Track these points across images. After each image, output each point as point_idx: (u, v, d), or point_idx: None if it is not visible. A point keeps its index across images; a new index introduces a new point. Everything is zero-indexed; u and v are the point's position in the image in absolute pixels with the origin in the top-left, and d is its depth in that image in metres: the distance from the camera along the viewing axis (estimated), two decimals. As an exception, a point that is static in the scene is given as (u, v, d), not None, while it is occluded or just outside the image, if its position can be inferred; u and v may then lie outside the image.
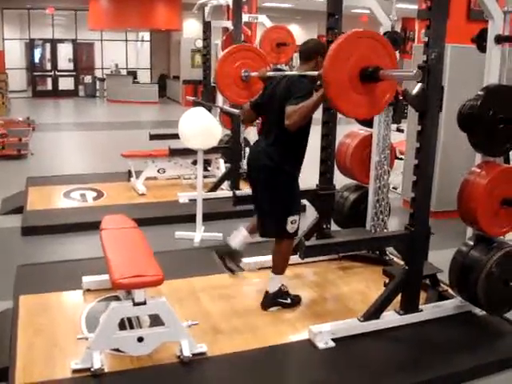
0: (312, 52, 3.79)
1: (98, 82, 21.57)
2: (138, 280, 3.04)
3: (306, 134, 3.69)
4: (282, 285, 3.92)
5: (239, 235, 4.31)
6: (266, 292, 3.89)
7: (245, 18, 7.04)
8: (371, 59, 3.08)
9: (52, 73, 20.91)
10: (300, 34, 21.11)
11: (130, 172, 7.21)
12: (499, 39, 3.69)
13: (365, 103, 3.15)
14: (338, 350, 3.42)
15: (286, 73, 3.81)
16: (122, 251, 3.50)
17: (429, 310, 3.79)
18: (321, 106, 3.62)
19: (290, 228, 3.75)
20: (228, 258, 4.47)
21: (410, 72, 3.00)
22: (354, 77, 3.05)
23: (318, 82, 3.39)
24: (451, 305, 3.88)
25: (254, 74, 4.45)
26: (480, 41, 3.89)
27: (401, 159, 7.06)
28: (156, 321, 3.26)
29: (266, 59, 4.90)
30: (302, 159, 3.81)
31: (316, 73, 3.52)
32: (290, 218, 3.73)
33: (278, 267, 3.87)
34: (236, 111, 4.83)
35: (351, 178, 5.08)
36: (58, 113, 18.05)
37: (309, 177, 4.58)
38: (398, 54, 4.69)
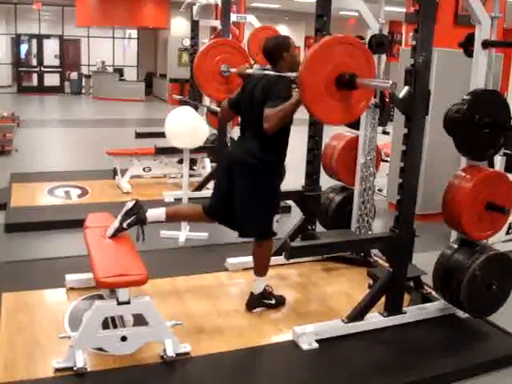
0: (275, 52, 3.65)
1: (83, 79, 21.41)
2: (122, 279, 3.02)
3: (288, 131, 3.62)
4: (267, 285, 3.92)
5: (157, 213, 3.82)
6: (251, 293, 3.89)
7: (233, 17, 7.03)
8: (349, 66, 3.06)
9: (38, 69, 20.72)
10: (288, 34, 21.14)
11: (115, 170, 7.17)
12: (486, 44, 3.71)
13: (340, 109, 3.15)
14: (321, 351, 3.42)
15: (266, 72, 3.70)
16: (106, 249, 3.48)
17: (412, 313, 3.81)
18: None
19: (275, 227, 3.73)
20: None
21: (385, 82, 3.01)
22: (331, 83, 3.04)
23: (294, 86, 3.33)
24: (435, 307, 3.90)
25: (233, 70, 4.37)
26: (467, 45, 3.92)
27: (386, 161, 7.10)
28: (139, 320, 3.24)
29: (246, 54, 4.80)
30: (285, 155, 3.73)
31: (294, 74, 3.40)
32: (276, 217, 3.73)
33: (262, 269, 3.85)
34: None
35: (337, 180, 5.10)
36: (43, 109, 17.91)
37: (295, 178, 4.59)
38: (385, 56, 4.72)
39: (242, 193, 3.69)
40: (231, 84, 4.46)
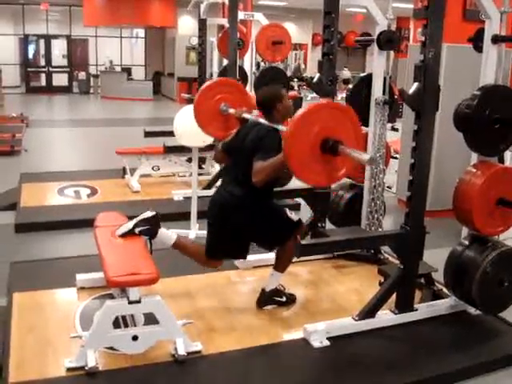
0: (269, 103, 3.68)
1: (92, 79, 21.48)
2: (132, 278, 3.03)
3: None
4: (279, 284, 3.92)
5: (168, 235, 3.87)
6: (263, 290, 3.89)
7: (240, 15, 7.02)
8: (335, 131, 3.04)
9: (46, 69, 20.83)
10: (295, 32, 21.11)
11: (124, 169, 7.19)
12: (496, 39, 3.69)
13: (323, 173, 3.12)
14: (332, 348, 3.42)
15: (260, 120, 3.72)
16: (116, 249, 3.49)
17: (424, 310, 3.80)
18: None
19: (294, 217, 3.78)
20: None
21: (365, 155, 2.98)
22: (315, 146, 3.02)
23: None
24: (446, 304, 3.89)
25: (231, 111, 4.38)
26: (477, 41, 3.89)
27: (395, 158, 7.08)
28: (150, 319, 3.25)
29: (247, 95, 4.77)
30: (273, 191, 3.79)
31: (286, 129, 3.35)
32: (287, 213, 3.77)
33: (283, 265, 3.85)
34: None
35: (346, 177, 5.06)
36: (52, 109, 17.97)
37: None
38: (393, 53, 4.70)
39: (246, 231, 3.73)
40: (229, 122, 4.44)
